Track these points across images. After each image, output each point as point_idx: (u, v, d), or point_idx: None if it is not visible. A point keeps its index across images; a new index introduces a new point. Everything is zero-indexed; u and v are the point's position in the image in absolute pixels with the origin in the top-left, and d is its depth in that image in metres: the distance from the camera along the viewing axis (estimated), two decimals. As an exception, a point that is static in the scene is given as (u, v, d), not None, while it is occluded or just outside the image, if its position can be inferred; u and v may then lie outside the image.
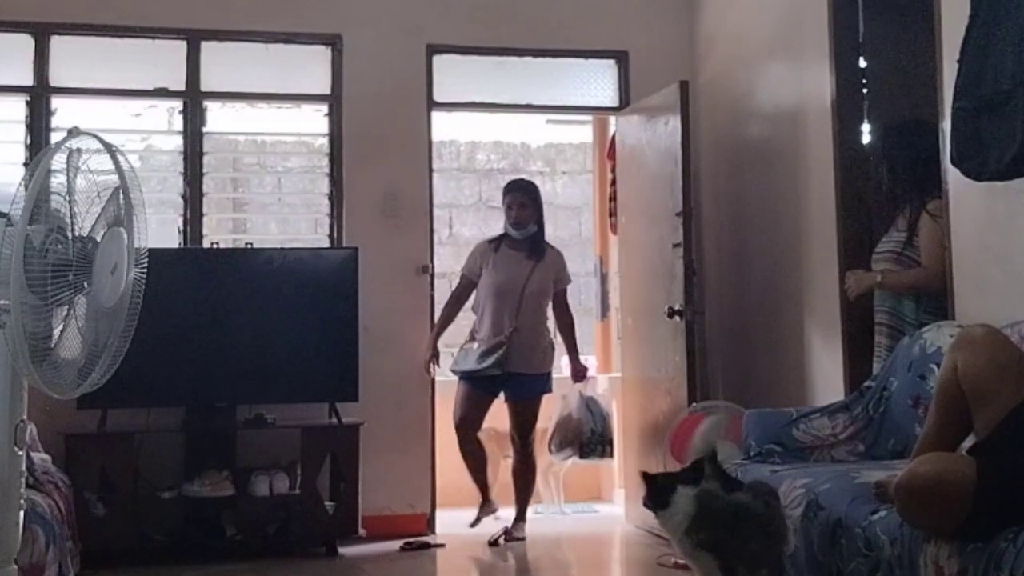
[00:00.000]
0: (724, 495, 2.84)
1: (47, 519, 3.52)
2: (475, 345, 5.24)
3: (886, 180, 4.04)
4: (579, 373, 5.45)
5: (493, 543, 5.07)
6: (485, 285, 5.30)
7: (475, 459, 5.31)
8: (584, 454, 5.46)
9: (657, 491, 2.91)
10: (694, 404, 4.86)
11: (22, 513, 2.75)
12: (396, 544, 5.09)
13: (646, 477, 2.97)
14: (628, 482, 5.71)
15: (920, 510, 2.41)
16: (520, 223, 5.31)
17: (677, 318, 5.03)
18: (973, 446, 2.55)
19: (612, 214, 6.24)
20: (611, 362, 6.54)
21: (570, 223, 8.10)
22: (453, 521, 5.35)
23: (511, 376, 5.18)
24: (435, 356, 5.35)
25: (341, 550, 5.00)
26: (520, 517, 5.23)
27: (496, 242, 5.40)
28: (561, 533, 5.45)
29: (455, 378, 5.33)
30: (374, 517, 5.23)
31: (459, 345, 5.42)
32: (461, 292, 5.42)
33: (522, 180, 5.58)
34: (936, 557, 2.40)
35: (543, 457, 5.51)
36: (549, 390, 5.34)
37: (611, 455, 5.57)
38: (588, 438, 5.43)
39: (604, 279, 6.76)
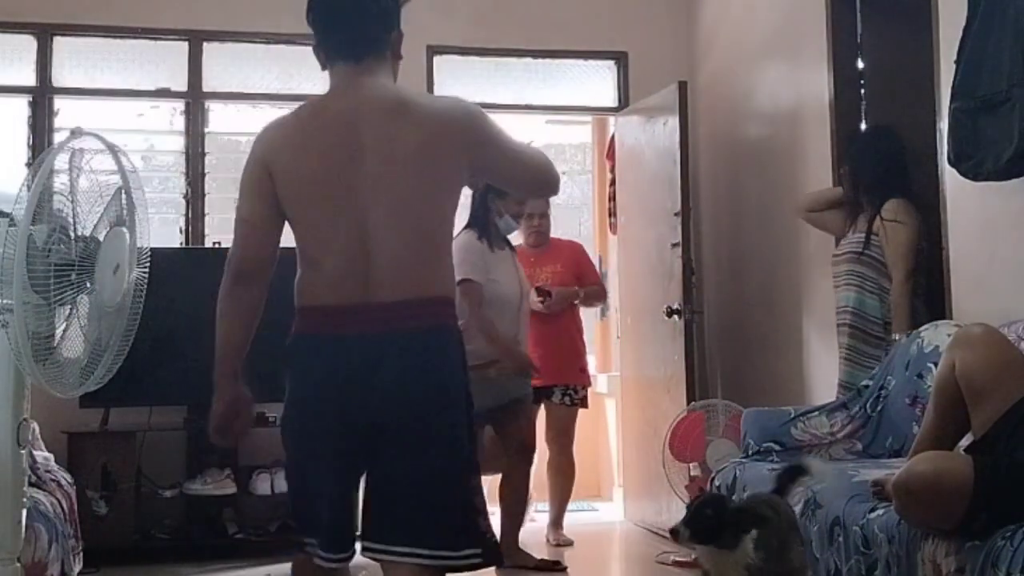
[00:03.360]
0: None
1: (50, 517, 3.54)
2: (490, 372, 4.29)
3: (848, 183, 4.10)
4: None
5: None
6: (490, 294, 4.41)
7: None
8: None
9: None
10: (693, 403, 4.87)
11: (25, 511, 2.77)
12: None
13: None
14: (627, 480, 5.73)
15: (918, 508, 2.41)
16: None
17: (676, 317, 5.05)
18: (970, 444, 2.56)
19: (611, 214, 6.25)
20: (610, 361, 6.55)
21: (570, 223, 8.11)
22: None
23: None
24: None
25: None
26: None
27: (486, 240, 4.50)
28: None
29: None
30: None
31: None
32: (480, 300, 4.38)
33: None
34: (934, 555, 2.41)
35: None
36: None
37: None
38: None
39: (603, 279, 6.76)
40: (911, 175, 4.04)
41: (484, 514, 2.25)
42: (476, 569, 2.22)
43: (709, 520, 2.56)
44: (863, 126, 4.47)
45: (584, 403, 5.27)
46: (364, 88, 2.27)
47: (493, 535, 2.29)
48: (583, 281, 5.32)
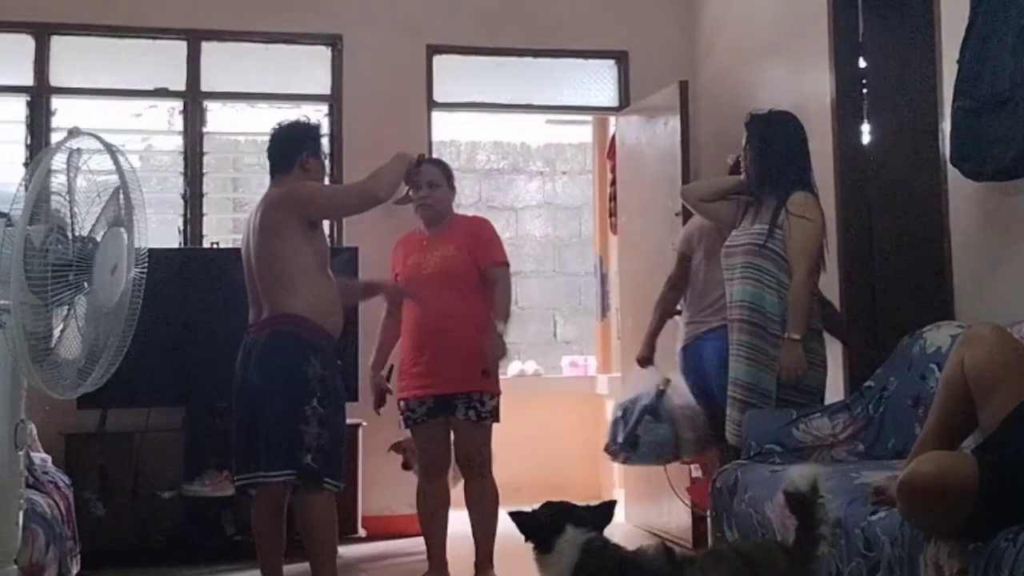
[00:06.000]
0: (614, 547, 2.50)
1: (47, 519, 3.53)
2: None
3: (753, 171, 3.93)
4: None
5: None
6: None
7: None
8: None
9: (540, 531, 2.51)
10: (693, 404, 4.84)
11: (22, 513, 2.76)
12: (396, 544, 5.08)
13: (517, 517, 2.55)
14: (628, 482, 5.71)
15: (923, 509, 2.39)
16: None
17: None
18: (979, 444, 2.54)
19: (612, 214, 6.24)
20: (611, 362, 6.54)
21: (570, 223, 8.12)
22: (452, 521, 5.33)
23: None
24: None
25: (341, 550, 4.96)
26: None
27: None
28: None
29: None
30: (374, 517, 5.24)
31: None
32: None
33: None
34: (936, 557, 2.39)
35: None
36: None
37: None
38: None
39: (604, 279, 6.76)
40: (811, 167, 3.92)
41: (309, 449, 3.54)
42: (307, 482, 3.57)
43: (531, 519, 2.55)
44: (868, 124, 4.45)
45: (495, 416, 4.15)
46: (266, 193, 3.82)
47: (313, 466, 3.55)
48: (478, 264, 4.14)
